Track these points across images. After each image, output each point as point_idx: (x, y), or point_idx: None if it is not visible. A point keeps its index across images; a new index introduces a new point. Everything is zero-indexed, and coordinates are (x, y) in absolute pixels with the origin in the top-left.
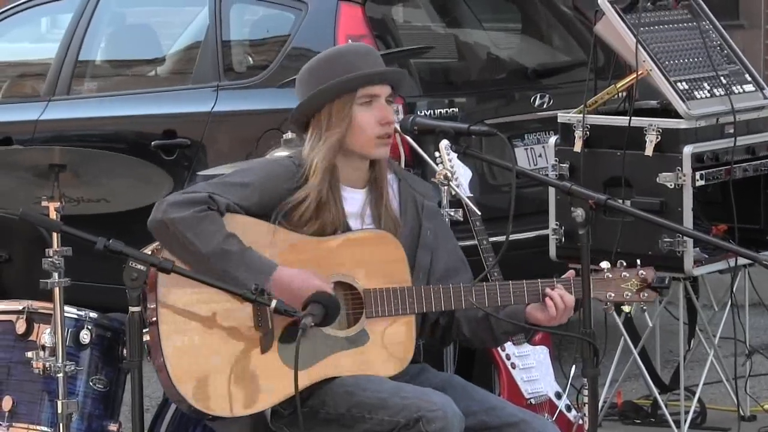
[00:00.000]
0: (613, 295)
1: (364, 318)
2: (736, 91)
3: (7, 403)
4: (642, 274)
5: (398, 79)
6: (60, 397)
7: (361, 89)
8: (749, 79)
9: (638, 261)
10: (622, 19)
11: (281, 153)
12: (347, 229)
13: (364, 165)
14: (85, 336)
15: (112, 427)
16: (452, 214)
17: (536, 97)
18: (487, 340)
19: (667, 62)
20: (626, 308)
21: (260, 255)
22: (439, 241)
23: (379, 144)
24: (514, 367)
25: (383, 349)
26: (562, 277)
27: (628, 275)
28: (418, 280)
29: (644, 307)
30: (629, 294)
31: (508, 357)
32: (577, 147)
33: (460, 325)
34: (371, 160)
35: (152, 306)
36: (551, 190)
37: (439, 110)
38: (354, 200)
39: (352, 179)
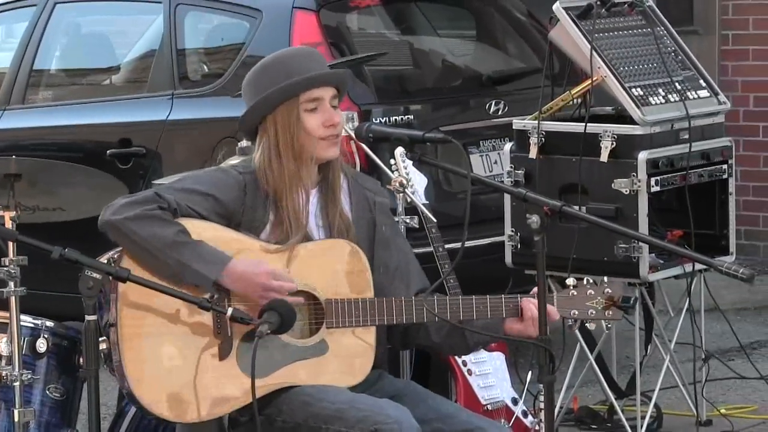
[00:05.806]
0: (577, 312)
1: (324, 328)
2: (691, 97)
3: None
4: (608, 291)
5: (339, 80)
6: (16, 406)
7: (303, 94)
8: (704, 84)
9: (605, 279)
10: (577, 26)
11: (236, 161)
12: (304, 231)
13: (313, 167)
14: (41, 345)
15: None
16: (408, 221)
17: (491, 104)
18: (460, 348)
19: (621, 68)
20: (590, 326)
21: (214, 247)
22: (392, 236)
23: (326, 146)
24: (470, 374)
25: (342, 360)
26: (531, 293)
27: (593, 293)
28: (378, 275)
29: (609, 325)
30: (594, 312)
31: (464, 363)
32: (533, 153)
33: (428, 331)
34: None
35: (113, 310)
36: (506, 197)
37: (394, 117)
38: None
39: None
